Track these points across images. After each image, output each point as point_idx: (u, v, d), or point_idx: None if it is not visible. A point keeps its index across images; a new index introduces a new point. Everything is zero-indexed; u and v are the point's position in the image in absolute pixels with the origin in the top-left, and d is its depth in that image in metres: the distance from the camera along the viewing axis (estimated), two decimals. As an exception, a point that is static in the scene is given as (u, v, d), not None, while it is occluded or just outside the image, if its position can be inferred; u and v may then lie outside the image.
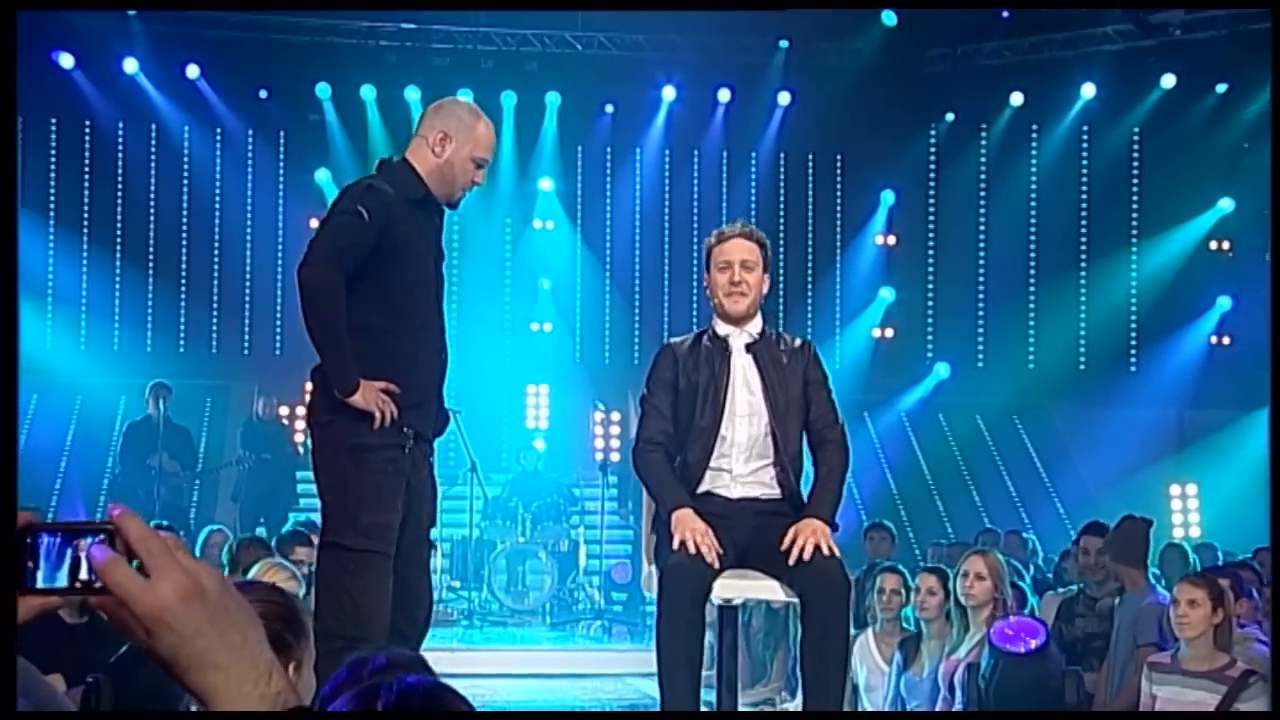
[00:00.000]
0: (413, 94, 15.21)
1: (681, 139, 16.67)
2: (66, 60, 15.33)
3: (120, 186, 16.25)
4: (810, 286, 17.08)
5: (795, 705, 6.71)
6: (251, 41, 15.42)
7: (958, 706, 6.14)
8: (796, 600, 4.68)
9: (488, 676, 9.27)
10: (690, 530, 4.60)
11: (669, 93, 16.24)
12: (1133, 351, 16.66)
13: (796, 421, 4.90)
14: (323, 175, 15.91)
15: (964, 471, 15.89)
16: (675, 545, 4.59)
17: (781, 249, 16.34)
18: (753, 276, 4.91)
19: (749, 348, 4.93)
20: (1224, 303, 16.20)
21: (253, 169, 16.41)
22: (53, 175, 16.03)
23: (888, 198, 16.89)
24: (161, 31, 15.31)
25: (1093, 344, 16.68)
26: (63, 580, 1.32)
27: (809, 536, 4.57)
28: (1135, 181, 16.58)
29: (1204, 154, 15.75)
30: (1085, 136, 16.56)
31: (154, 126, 16.11)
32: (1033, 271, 16.80)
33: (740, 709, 5.28)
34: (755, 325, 4.97)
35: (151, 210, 16.28)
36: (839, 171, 17.14)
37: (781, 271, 15.65)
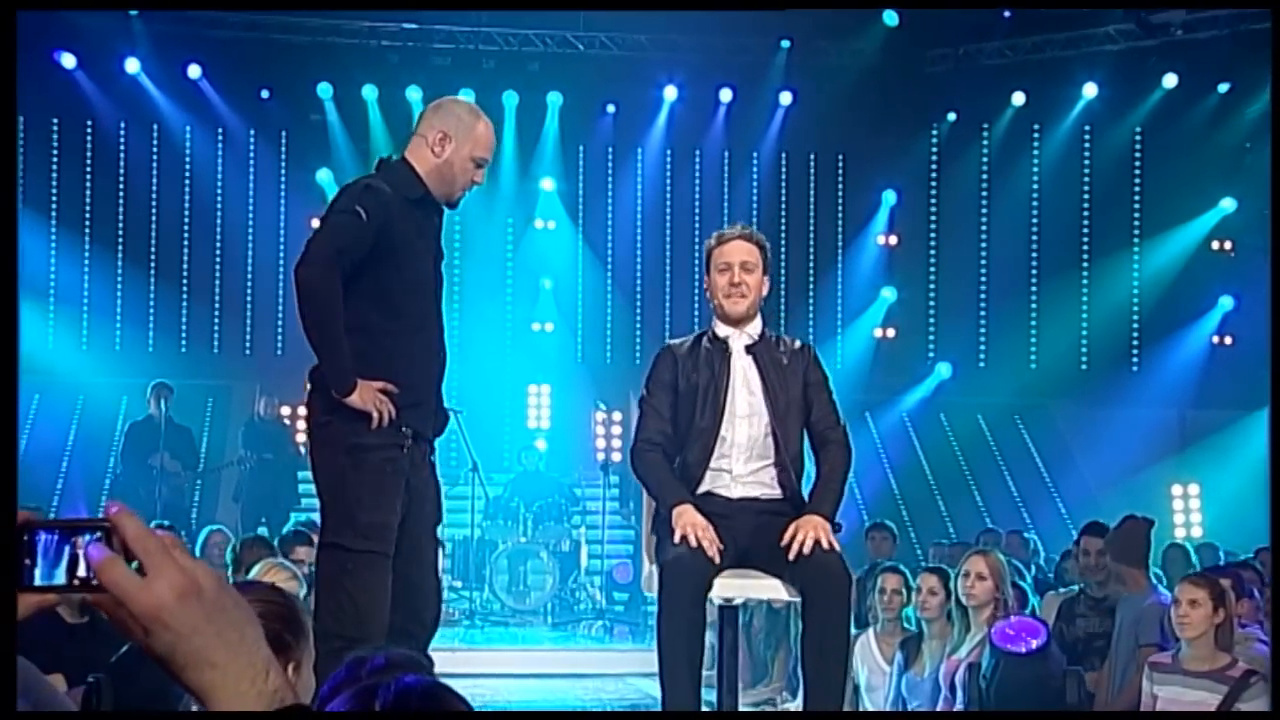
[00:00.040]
0: (414, 94, 15.19)
1: (683, 139, 16.66)
2: (68, 60, 15.33)
3: (122, 186, 16.25)
4: (812, 286, 17.07)
5: (796, 705, 6.71)
6: (253, 41, 15.42)
7: (959, 706, 6.14)
8: (798, 599, 4.68)
9: (489, 676, 9.28)
10: (691, 525, 4.60)
11: (670, 93, 16.23)
12: (1134, 351, 16.65)
13: (797, 422, 4.91)
14: (324, 175, 15.89)
15: (965, 471, 15.88)
16: (676, 539, 4.59)
17: (783, 249, 16.33)
18: (752, 278, 4.92)
19: (749, 349, 4.94)
20: (1226, 302, 16.18)
21: (254, 169, 16.40)
22: (54, 175, 16.03)
23: (889, 197, 16.88)
24: (163, 31, 15.31)
25: (1094, 344, 16.68)
26: (60, 577, 1.32)
27: (809, 531, 4.58)
28: (1137, 181, 16.57)
29: (1206, 154, 15.74)
30: (1087, 136, 16.55)
31: (156, 126, 16.10)
32: (1034, 271, 16.78)
33: (741, 709, 5.27)
34: (755, 327, 4.98)
35: (153, 210, 16.28)
36: (840, 171, 17.12)
37: (783, 271, 15.66)
